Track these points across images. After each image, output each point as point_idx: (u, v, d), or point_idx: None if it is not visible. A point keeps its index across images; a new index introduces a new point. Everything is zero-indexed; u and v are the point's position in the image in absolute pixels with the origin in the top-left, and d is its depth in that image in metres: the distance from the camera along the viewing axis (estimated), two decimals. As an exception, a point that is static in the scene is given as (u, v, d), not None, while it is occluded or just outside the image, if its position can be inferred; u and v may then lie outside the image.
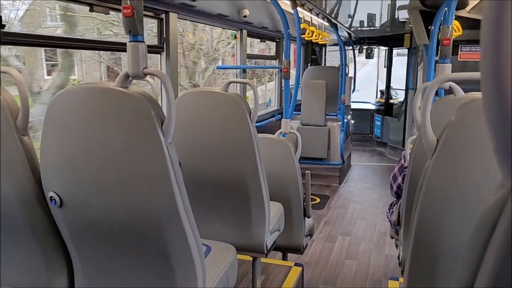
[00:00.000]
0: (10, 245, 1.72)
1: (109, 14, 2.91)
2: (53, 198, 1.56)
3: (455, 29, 4.17)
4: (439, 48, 2.63)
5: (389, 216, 3.20)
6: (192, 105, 2.34)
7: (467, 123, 1.24)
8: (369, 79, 12.82)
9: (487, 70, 0.42)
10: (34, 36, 2.67)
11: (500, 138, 0.44)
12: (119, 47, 3.20)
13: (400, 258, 2.33)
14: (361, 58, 11.93)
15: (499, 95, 0.42)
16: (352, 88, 9.09)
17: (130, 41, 1.54)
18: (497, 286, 0.48)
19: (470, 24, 5.91)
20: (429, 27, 3.58)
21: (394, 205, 3.13)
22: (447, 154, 1.27)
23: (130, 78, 1.53)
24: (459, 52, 6.39)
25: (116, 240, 1.60)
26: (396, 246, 2.88)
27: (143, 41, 1.56)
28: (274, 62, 7.31)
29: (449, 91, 2.01)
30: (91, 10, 2.77)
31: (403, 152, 3.00)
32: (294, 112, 5.77)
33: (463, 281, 0.57)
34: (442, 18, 2.81)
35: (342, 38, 7.87)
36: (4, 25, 2.17)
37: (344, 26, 7.60)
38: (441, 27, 2.71)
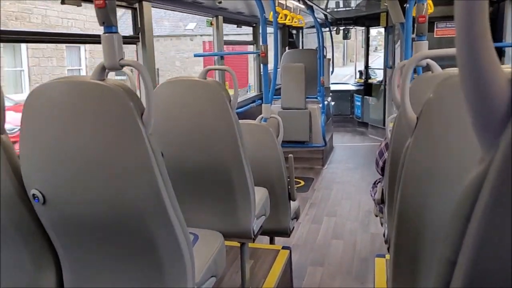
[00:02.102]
0: None
1: (81, 6, 2.85)
2: (35, 196, 1.54)
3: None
4: (415, 25, 2.64)
5: (372, 194, 3.23)
6: (171, 94, 2.32)
7: (445, 99, 1.25)
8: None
9: (462, 47, 0.43)
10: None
11: (478, 113, 0.44)
12: (95, 39, 3.14)
13: (386, 236, 2.36)
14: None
15: (475, 71, 0.42)
16: (331, 69, 9.11)
17: (104, 33, 1.52)
18: (478, 261, 0.49)
19: (444, 0, 5.94)
20: (404, 5, 3.59)
21: (377, 184, 3.16)
22: (427, 130, 1.28)
23: (106, 70, 1.51)
24: (435, 29, 6.44)
25: (102, 234, 1.59)
26: (381, 224, 2.92)
27: (117, 32, 1.53)
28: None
29: (427, 68, 2.03)
30: (62, 3, 2.71)
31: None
32: (274, 97, 5.76)
33: (446, 257, 0.58)
34: None
35: (318, 20, 7.86)
36: None
37: (320, 8, 7.58)
38: (416, 4, 2.72)
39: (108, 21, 1.50)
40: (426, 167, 1.26)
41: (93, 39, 3.18)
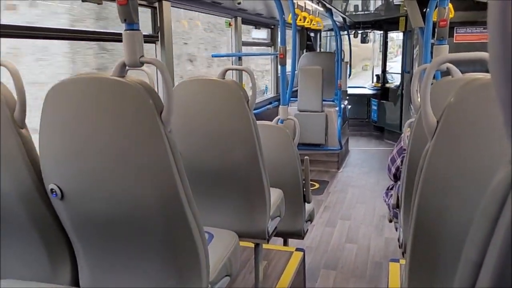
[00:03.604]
0: (12, 239, 1.72)
1: (102, 4, 2.87)
2: (53, 191, 1.55)
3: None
4: (436, 30, 2.61)
5: (386, 200, 3.21)
6: (190, 93, 2.33)
7: (467, 103, 1.24)
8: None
9: (495, 43, 0.42)
10: (29, 28, 2.63)
11: (510, 113, 0.44)
12: (116, 37, 3.16)
13: (400, 241, 2.34)
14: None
15: (509, 69, 0.41)
16: (348, 73, 9.08)
17: (125, 30, 1.53)
18: (507, 262, 0.48)
19: (465, 5, 5.89)
20: (424, 10, 3.55)
21: (391, 189, 3.13)
22: (447, 135, 1.27)
23: (126, 67, 1.52)
24: (455, 34, 6.38)
25: (119, 230, 1.60)
26: (396, 229, 2.90)
27: (138, 30, 1.54)
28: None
29: (446, 73, 2.01)
30: (83, 0, 2.73)
31: (403, 134, 3.00)
32: (291, 99, 5.76)
33: (471, 258, 0.57)
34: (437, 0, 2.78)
35: (337, 23, 7.84)
36: None
37: (339, 11, 7.56)
38: (437, 8, 2.69)
39: (129, 18, 1.51)
40: (446, 170, 1.25)
41: (112, 37, 3.20)
